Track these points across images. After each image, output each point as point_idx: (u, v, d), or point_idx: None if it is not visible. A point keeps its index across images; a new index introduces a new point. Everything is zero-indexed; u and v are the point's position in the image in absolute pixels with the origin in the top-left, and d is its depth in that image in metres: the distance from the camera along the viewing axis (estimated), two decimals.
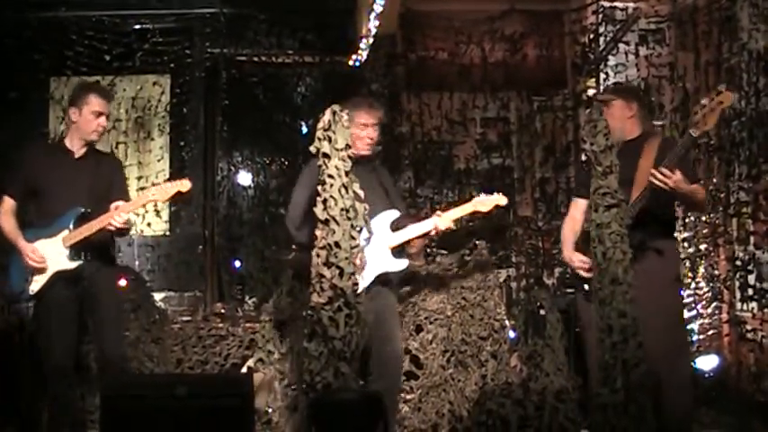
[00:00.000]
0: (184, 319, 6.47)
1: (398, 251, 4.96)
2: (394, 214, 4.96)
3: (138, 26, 7.87)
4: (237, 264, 8.16)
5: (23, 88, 7.70)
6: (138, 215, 7.29)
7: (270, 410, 5.34)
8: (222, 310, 7.09)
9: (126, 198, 4.97)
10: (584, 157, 7.52)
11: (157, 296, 6.72)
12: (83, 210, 4.77)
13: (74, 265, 4.76)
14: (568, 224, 5.12)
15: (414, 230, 4.95)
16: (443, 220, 4.97)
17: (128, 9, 7.85)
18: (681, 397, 4.65)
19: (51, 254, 4.75)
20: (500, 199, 5.24)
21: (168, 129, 8.00)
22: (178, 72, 8.00)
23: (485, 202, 5.22)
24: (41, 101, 7.85)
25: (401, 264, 4.95)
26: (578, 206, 5.09)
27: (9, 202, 4.91)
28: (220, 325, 6.12)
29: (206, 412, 3.66)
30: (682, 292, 5.14)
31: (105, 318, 4.87)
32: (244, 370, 5.63)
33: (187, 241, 7.93)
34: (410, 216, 5.20)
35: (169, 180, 4.94)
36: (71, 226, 4.75)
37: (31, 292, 4.76)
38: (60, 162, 4.89)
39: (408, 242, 5.03)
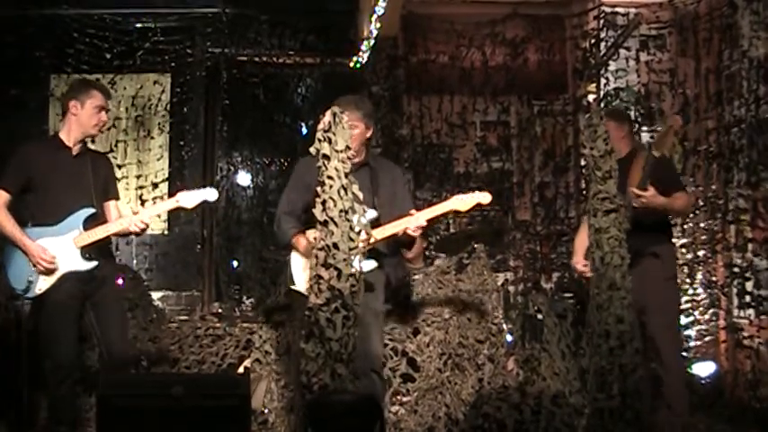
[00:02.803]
0: (182, 318, 6.47)
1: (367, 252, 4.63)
2: (370, 214, 4.66)
3: (139, 25, 7.87)
4: (235, 264, 8.16)
5: (24, 85, 7.69)
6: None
7: (266, 411, 5.34)
8: (219, 310, 7.09)
9: (117, 197, 4.99)
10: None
11: (155, 295, 6.72)
12: (93, 210, 4.77)
13: (89, 266, 4.73)
14: (580, 237, 5.35)
15: (385, 231, 4.73)
16: (416, 220, 4.69)
17: (129, 7, 7.85)
18: (677, 388, 5.02)
19: (60, 253, 4.69)
20: (482, 197, 4.85)
21: (168, 128, 8.00)
22: (179, 71, 8.00)
23: (465, 201, 4.84)
24: (42, 98, 7.85)
25: (367, 265, 4.67)
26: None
27: (3, 196, 4.78)
28: (217, 325, 6.11)
29: (202, 412, 3.66)
30: (675, 290, 5.41)
31: (114, 318, 4.86)
32: (240, 370, 5.63)
33: (185, 240, 7.93)
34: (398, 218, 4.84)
35: (197, 188, 4.93)
36: (81, 226, 4.72)
37: (38, 291, 4.68)
38: (59, 158, 4.84)
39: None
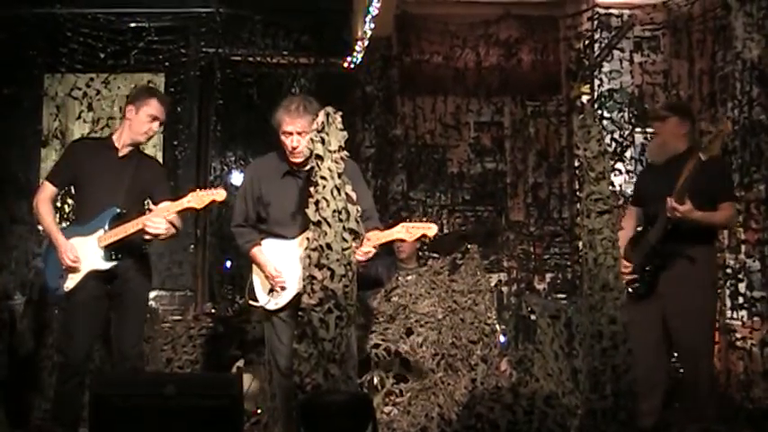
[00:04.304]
0: (175, 318, 6.46)
1: None
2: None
3: (133, 24, 7.85)
4: (229, 264, 8.14)
5: (18, 85, 7.68)
6: None
7: (259, 411, 5.34)
8: (213, 310, 7.08)
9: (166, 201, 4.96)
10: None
11: None
12: (118, 210, 4.76)
13: (108, 265, 4.74)
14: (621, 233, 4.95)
15: None
16: (364, 246, 4.43)
17: (123, 7, 7.84)
18: (703, 391, 4.92)
19: (86, 252, 4.72)
20: (428, 229, 4.80)
21: (162, 127, 7.98)
22: (173, 71, 7.98)
23: (411, 231, 4.74)
24: (35, 97, 7.83)
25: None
26: (631, 214, 5.29)
27: (49, 189, 4.88)
28: (211, 325, 6.10)
29: (195, 412, 3.65)
30: (710, 295, 5.09)
31: (130, 316, 4.86)
32: (233, 370, 5.63)
33: (179, 240, 7.90)
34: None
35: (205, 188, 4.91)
36: (106, 226, 4.73)
37: (65, 290, 4.73)
38: (104, 158, 4.87)
39: None
